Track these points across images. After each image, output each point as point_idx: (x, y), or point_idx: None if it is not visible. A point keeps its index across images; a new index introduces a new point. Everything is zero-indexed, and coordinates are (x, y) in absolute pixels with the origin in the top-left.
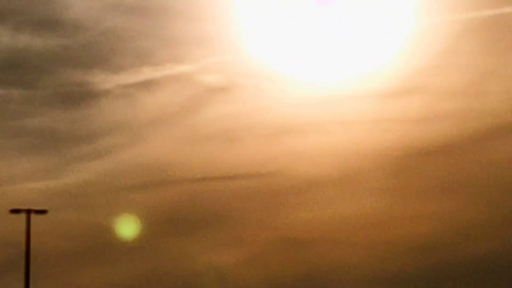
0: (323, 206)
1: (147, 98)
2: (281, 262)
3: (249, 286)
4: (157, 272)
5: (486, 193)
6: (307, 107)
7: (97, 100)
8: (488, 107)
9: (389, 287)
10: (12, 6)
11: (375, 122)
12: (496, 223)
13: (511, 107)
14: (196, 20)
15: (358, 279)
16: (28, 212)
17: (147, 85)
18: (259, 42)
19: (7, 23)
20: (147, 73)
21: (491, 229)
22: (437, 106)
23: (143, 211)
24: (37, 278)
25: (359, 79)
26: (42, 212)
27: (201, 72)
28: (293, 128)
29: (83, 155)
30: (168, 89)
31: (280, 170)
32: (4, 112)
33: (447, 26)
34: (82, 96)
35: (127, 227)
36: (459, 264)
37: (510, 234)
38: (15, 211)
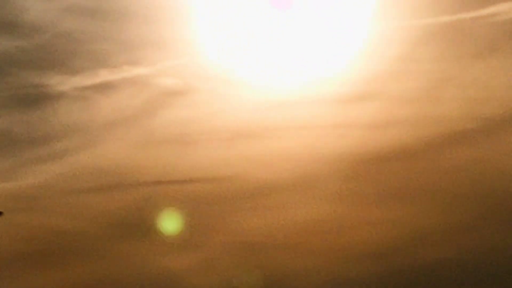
0: (279, 211)
1: (103, 100)
2: (236, 267)
3: None
4: (111, 276)
5: (441, 199)
6: (264, 112)
7: (53, 102)
8: (445, 113)
9: None
10: None
11: (331, 127)
12: (451, 230)
13: (467, 114)
14: (153, 23)
15: (312, 284)
16: None
17: (103, 87)
18: (216, 46)
19: None
20: (103, 75)
21: (446, 236)
22: (393, 112)
23: (98, 214)
24: None
25: (316, 84)
26: None
27: (158, 75)
28: (249, 132)
29: (39, 157)
30: (125, 92)
31: (236, 175)
32: None
33: (404, 32)
34: (38, 98)
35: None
36: (414, 270)
37: (464, 241)
38: None
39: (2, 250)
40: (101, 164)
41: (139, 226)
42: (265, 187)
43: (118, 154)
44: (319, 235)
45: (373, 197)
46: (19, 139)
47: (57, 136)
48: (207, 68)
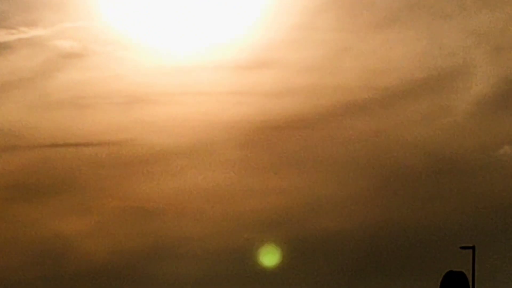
0: (173, 177)
1: (1, 62)
2: (129, 232)
3: (96, 254)
4: (3, 238)
5: (337, 169)
6: (161, 77)
7: None
8: (343, 83)
9: (236, 260)
10: None
11: (228, 94)
12: (346, 199)
13: (365, 84)
14: None
15: (204, 251)
16: None
17: (1, 49)
18: (115, 10)
19: None
20: (2, 36)
21: (341, 205)
22: (291, 81)
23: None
24: None
25: (214, 50)
26: None
27: (55, 37)
28: (146, 97)
29: None
30: (21, 53)
31: (131, 139)
32: None
33: (304, 0)
34: None
35: None
36: (308, 239)
37: (359, 210)
38: None
39: None
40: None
41: (33, 188)
42: (161, 153)
43: (13, 116)
44: (214, 202)
45: (269, 165)
46: None
47: None
48: (105, 31)
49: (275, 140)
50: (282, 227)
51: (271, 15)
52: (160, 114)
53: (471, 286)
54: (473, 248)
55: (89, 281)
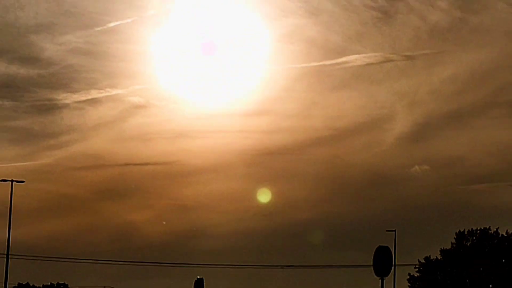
0: (203, 185)
1: (92, 110)
2: (175, 220)
3: (153, 234)
4: (96, 223)
5: (308, 180)
6: (196, 120)
7: (60, 110)
8: (312, 125)
9: (244, 237)
10: (6, 46)
11: (239, 132)
12: (314, 199)
13: (327, 126)
14: (125, 61)
15: (223, 231)
16: (12, 181)
17: (93, 102)
18: (167, 78)
19: (3, 58)
20: (93, 94)
21: (310, 203)
22: (279, 124)
23: (89, 183)
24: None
25: (230, 103)
26: (20, 182)
27: (129, 95)
28: (186, 134)
29: (49, 146)
30: (106, 105)
31: (176, 161)
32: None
33: (287, 72)
34: (50, 108)
35: None
36: (288, 223)
37: (322, 206)
38: (3, 180)
39: (24, 205)
40: (89, 152)
41: (113, 192)
42: (196, 169)
43: (101, 146)
44: (230, 201)
45: (265, 177)
46: (37, 134)
47: (62, 132)
48: (160, 91)
49: (269, 162)
50: (273, 216)
51: (266, 81)
52: (195, 144)
53: (393, 255)
54: (394, 231)
55: (149, 252)
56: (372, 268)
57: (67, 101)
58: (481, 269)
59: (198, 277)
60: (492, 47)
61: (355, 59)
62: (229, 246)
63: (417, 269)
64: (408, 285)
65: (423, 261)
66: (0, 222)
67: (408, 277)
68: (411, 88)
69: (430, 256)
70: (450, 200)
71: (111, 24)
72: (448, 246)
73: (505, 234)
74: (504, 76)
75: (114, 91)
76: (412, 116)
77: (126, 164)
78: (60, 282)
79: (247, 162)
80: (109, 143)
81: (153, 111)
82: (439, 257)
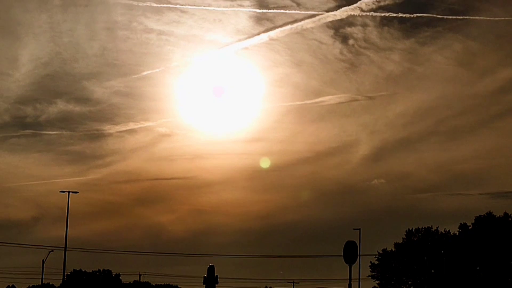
0: (215, 194)
1: (130, 138)
2: (193, 221)
3: (177, 232)
4: (132, 224)
5: (293, 191)
6: (209, 146)
7: (105, 138)
8: (297, 149)
9: (247, 233)
10: (65, 90)
11: (241, 154)
12: (297, 205)
13: (308, 149)
14: (155, 101)
15: (230, 230)
16: (69, 192)
17: (131, 132)
18: (186, 113)
19: (62, 98)
20: (131, 125)
21: (295, 208)
22: (271, 148)
23: (128, 193)
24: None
25: (235, 132)
26: (75, 192)
27: (157, 126)
28: (202, 155)
29: (98, 165)
30: (140, 134)
31: (194, 176)
32: (59, 144)
33: (278, 108)
34: (98, 136)
35: None
36: (278, 223)
37: (304, 211)
38: (62, 191)
39: (79, 212)
40: (128, 169)
41: (146, 200)
42: (209, 183)
43: (137, 164)
44: (235, 206)
45: (260, 188)
46: (88, 156)
47: (107, 155)
48: (181, 123)
49: (263, 177)
50: (267, 218)
51: (262, 116)
52: (208, 164)
53: (359, 248)
54: (359, 229)
55: (174, 245)
56: (342, 258)
57: (111, 131)
58: (425, 258)
59: (210, 264)
60: (433, 90)
61: (329, 99)
62: (234, 241)
63: (376, 258)
64: (370, 270)
65: (381, 252)
66: (60, 223)
67: (370, 264)
68: (372, 121)
69: (386, 248)
70: (401, 205)
71: (144, 73)
72: (400, 241)
73: (443, 232)
74: (442, 111)
75: (146, 123)
76: (372, 142)
77: (156, 179)
78: (106, 269)
79: (247, 177)
80: (143, 163)
81: (176, 138)
82: (393, 249)
